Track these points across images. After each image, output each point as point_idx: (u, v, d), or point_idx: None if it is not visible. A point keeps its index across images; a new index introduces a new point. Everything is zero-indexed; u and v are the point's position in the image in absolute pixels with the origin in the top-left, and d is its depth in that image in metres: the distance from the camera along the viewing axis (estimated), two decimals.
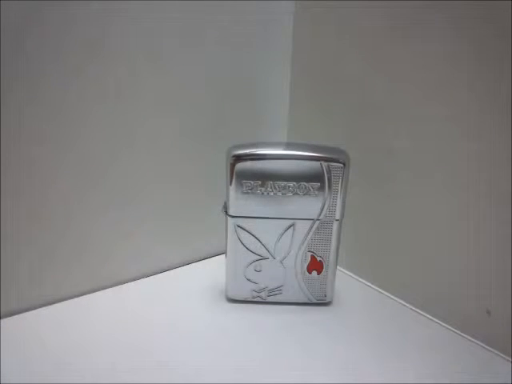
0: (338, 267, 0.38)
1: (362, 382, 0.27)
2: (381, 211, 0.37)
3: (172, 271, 0.40)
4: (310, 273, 0.34)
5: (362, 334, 0.32)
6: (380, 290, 0.38)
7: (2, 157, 0.30)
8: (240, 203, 0.32)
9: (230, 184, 0.32)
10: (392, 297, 0.37)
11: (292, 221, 0.33)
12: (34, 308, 0.34)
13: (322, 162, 0.31)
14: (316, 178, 0.31)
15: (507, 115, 0.27)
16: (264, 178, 0.31)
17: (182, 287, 0.37)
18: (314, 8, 0.38)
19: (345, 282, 0.39)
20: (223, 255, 0.36)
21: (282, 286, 0.35)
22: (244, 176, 0.31)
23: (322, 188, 0.32)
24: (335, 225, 0.33)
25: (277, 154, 0.31)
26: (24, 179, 0.31)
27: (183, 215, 0.40)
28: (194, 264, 0.42)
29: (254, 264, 0.34)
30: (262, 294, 0.35)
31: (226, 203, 0.33)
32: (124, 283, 0.38)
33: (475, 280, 0.31)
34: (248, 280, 0.34)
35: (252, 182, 0.32)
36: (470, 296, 0.31)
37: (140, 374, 0.27)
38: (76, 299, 0.35)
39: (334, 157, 0.31)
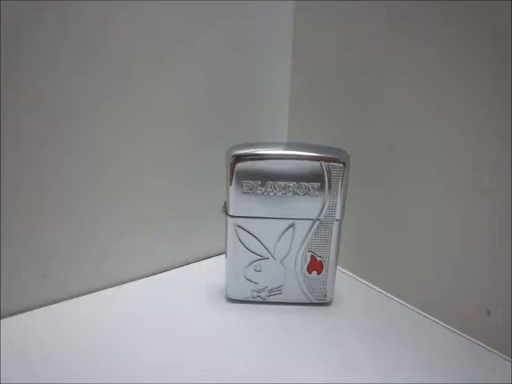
0: (338, 267, 0.38)
1: (362, 382, 0.27)
2: (381, 211, 0.37)
3: (172, 271, 0.40)
4: (310, 273, 0.34)
5: (361, 334, 0.32)
6: (380, 290, 0.38)
7: (2, 155, 0.30)
8: (240, 203, 0.32)
9: (230, 184, 0.32)
10: (392, 297, 0.37)
11: (292, 221, 0.33)
12: (34, 308, 0.34)
13: (322, 162, 0.31)
14: (316, 177, 0.31)
15: (508, 115, 0.27)
16: (264, 178, 0.31)
17: (182, 287, 0.37)
18: (313, 8, 0.38)
19: (345, 282, 0.39)
20: (223, 255, 0.36)
21: (282, 285, 0.35)
22: (244, 176, 0.31)
23: (321, 188, 0.32)
24: (335, 225, 0.33)
25: (277, 153, 0.31)
26: (23, 178, 0.31)
27: (183, 215, 0.40)
28: (193, 264, 0.42)
29: (254, 264, 0.34)
30: (262, 294, 0.35)
31: (225, 203, 0.33)
32: (124, 283, 0.38)
33: (475, 280, 0.31)
34: (248, 280, 0.34)
35: (252, 182, 0.32)
36: (470, 296, 0.31)
37: (140, 374, 0.27)
38: (76, 299, 0.35)
39: (334, 157, 0.31)
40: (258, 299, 0.35)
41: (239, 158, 0.31)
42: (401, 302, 0.36)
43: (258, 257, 0.34)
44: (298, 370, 0.28)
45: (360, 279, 0.40)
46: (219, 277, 0.36)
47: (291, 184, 0.32)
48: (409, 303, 0.36)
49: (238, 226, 0.33)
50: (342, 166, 0.31)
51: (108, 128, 0.34)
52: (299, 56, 0.41)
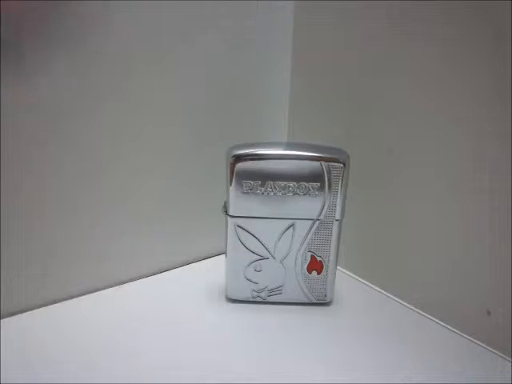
0: (338, 267, 0.38)
1: (362, 382, 0.27)
2: (381, 211, 0.37)
3: (172, 271, 0.40)
4: (310, 273, 0.34)
5: (361, 334, 0.32)
6: (380, 290, 0.38)
7: (2, 155, 0.30)
8: (240, 203, 0.32)
9: (230, 184, 0.32)
10: (392, 297, 0.37)
11: (292, 221, 0.33)
12: (34, 308, 0.34)
13: (322, 162, 0.31)
14: (316, 177, 0.31)
15: (508, 115, 0.27)
16: (264, 178, 0.31)
17: (182, 287, 0.37)
18: (313, 8, 0.38)
19: (345, 282, 0.39)
20: (223, 255, 0.36)
21: (281, 285, 0.35)
22: (244, 176, 0.31)
23: (321, 188, 0.32)
24: (335, 225, 0.33)
25: (277, 153, 0.31)
26: (24, 178, 0.31)
27: (183, 215, 0.40)
28: (193, 264, 0.42)
29: (254, 264, 0.34)
30: (262, 294, 0.35)
31: (225, 203, 0.33)
32: (124, 283, 0.38)
33: (475, 280, 0.31)
34: (248, 280, 0.34)
35: (252, 182, 0.32)
36: (470, 296, 0.31)
37: (140, 374, 0.27)
38: (76, 299, 0.35)
39: (334, 157, 0.31)
40: (258, 299, 0.35)
41: (239, 158, 0.31)
42: (401, 302, 0.36)
43: (258, 257, 0.34)
44: (298, 370, 0.28)
45: (360, 279, 0.40)
46: (219, 277, 0.36)
47: (291, 184, 0.32)
48: (409, 303, 0.36)
49: (238, 226, 0.33)
50: (342, 166, 0.31)
51: (108, 128, 0.34)
52: (299, 56, 0.41)
